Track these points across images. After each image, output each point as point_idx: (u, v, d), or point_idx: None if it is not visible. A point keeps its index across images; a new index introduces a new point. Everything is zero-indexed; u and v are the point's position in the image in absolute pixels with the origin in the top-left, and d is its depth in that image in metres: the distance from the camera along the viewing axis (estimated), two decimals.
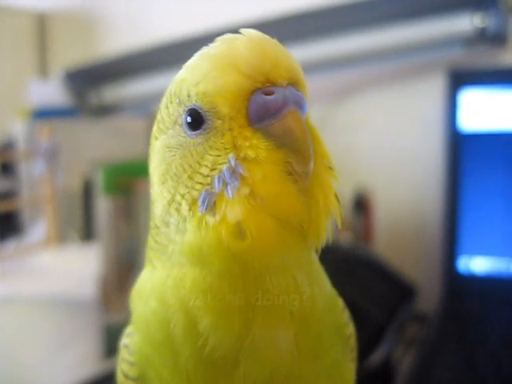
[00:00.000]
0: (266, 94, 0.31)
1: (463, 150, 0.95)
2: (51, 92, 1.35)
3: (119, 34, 1.53)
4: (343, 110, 1.17)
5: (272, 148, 0.30)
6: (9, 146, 1.36)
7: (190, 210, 0.32)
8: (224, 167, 0.31)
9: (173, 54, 1.14)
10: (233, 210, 0.30)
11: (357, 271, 0.89)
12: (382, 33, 1.01)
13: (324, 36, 1.05)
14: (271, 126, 0.30)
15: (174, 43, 1.11)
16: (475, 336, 0.83)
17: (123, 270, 1.00)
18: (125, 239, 1.01)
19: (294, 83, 0.32)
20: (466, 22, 0.96)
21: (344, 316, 0.40)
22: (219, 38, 0.33)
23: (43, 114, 1.32)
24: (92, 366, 0.90)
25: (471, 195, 0.94)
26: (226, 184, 0.31)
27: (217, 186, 0.31)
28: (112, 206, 1.00)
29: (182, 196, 0.33)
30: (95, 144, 1.31)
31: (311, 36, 1.04)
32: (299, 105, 0.31)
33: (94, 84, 1.33)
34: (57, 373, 0.90)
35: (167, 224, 0.34)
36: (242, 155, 0.31)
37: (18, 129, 1.33)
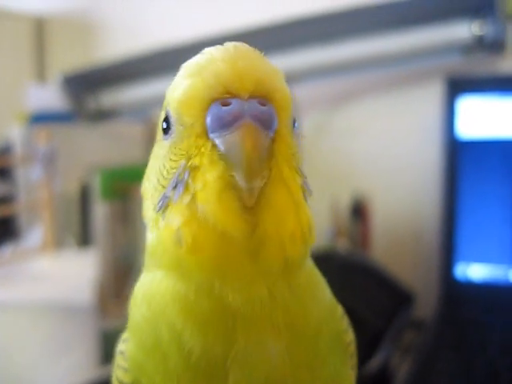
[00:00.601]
0: (224, 105, 0.30)
1: (461, 156, 0.95)
2: (49, 96, 1.35)
3: (117, 39, 1.53)
4: (341, 117, 1.17)
5: (219, 159, 0.30)
6: (6, 150, 1.36)
7: (153, 209, 0.34)
8: (176, 173, 0.32)
9: (171, 60, 1.14)
10: (175, 215, 0.31)
11: (354, 278, 0.89)
12: (380, 40, 1.02)
13: (322, 42, 1.05)
14: (223, 137, 0.30)
15: (172, 49, 1.11)
16: (472, 343, 0.83)
17: (120, 275, 1.00)
18: (122, 244, 1.01)
19: (261, 97, 0.30)
20: (464, 30, 0.96)
21: (343, 323, 0.40)
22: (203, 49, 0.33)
23: (41, 119, 1.32)
24: (88, 372, 0.89)
25: (469, 202, 0.94)
26: (174, 189, 0.31)
27: (168, 191, 0.32)
28: (109, 211, 1.00)
29: (151, 195, 0.35)
30: (93, 149, 1.31)
31: (309, 42, 1.04)
32: (260, 119, 0.30)
33: (91, 89, 1.33)
34: (53, 379, 0.90)
35: (147, 223, 0.36)
36: (190, 162, 0.31)
37: (15, 133, 1.33)
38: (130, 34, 1.50)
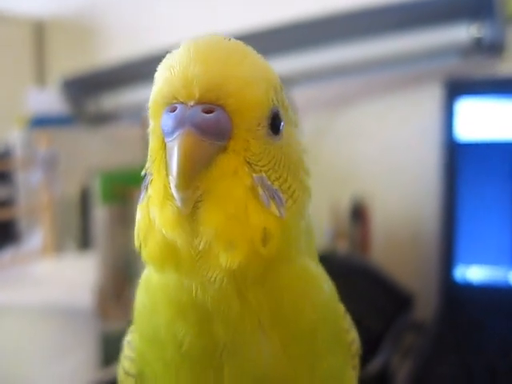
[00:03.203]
0: (172, 111, 0.30)
1: (460, 159, 0.95)
2: (49, 100, 1.35)
3: (117, 43, 1.53)
4: (340, 120, 1.17)
5: (163, 166, 0.30)
6: (6, 154, 1.36)
7: None
8: (146, 175, 0.33)
9: None
10: (137, 213, 0.32)
11: (354, 280, 0.89)
12: (378, 42, 1.02)
13: (321, 45, 1.05)
14: (168, 143, 0.30)
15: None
16: (472, 345, 0.83)
17: (120, 278, 1.00)
18: (122, 247, 1.01)
19: (209, 103, 0.30)
20: (462, 32, 0.96)
21: (345, 322, 0.40)
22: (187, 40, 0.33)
23: (41, 122, 1.31)
24: (89, 374, 0.90)
25: (468, 204, 0.94)
26: (143, 189, 0.33)
27: (142, 191, 0.33)
28: (109, 214, 1.00)
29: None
30: (93, 152, 1.31)
31: (308, 45, 1.04)
32: (202, 127, 0.29)
33: (91, 92, 1.33)
34: (54, 381, 0.90)
35: None
36: (150, 166, 0.32)
37: (15, 137, 1.33)
38: (129, 37, 1.50)
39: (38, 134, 1.22)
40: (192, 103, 0.30)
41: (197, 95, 0.30)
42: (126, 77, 1.28)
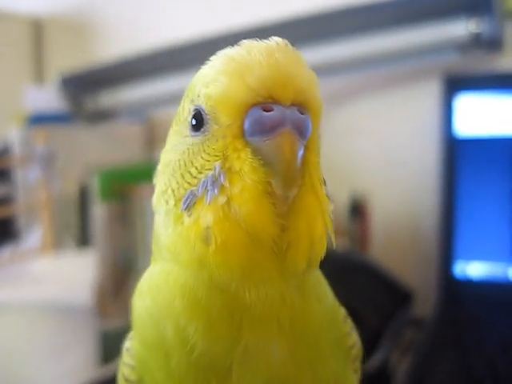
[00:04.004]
0: (265, 110, 0.30)
1: (459, 155, 0.95)
2: (47, 97, 1.34)
3: (115, 40, 1.53)
4: (338, 116, 1.17)
5: (258, 165, 0.30)
6: (5, 151, 1.35)
7: (175, 205, 0.33)
8: (209, 173, 0.32)
9: (169, 60, 1.15)
10: (206, 215, 0.31)
11: (353, 277, 0.89)
12: (377, 38, 1.02)
13: (319, 41, 1.05)
14: (263, 142, 0.30)
15: (170, 49, 1.11)
16: (472, 341, 0.83)
17: (119, 276, 1.00)
18: (121, 245, 1.01)
19: (300, 105, 0.31)
20: (461, 28, 0.96)
21: (346, 326, 0.40)
22: (244, 41, 0.33)
23: (39, 120, 1.31)
24: (88, 372, 0.89)
25: (467, 200, 0.94)
26: (207, 190, 0.31)
27: (200, 190, 0.32)
28: (108, 212, 1.00)
29: (173, 191, 0.34)
30: (91, 150, 1.31)
31: (306, 41, 1.04)
32: (299, 128, 0.30)
33: (90, 90, 1.33)
34: (52, 379, 0.90)
35: (158, 212, 0.36)
36: (227, 165, 0.31)
37: (13, 135, 1.33)
38: (127, 34, 1.50)
39: (37, 131, 1.22)
40: (288, 104, 0.30)
41: (292, 96, 0.30)
42: (124, 74, 1.27)
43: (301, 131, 0.30)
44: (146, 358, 0.36)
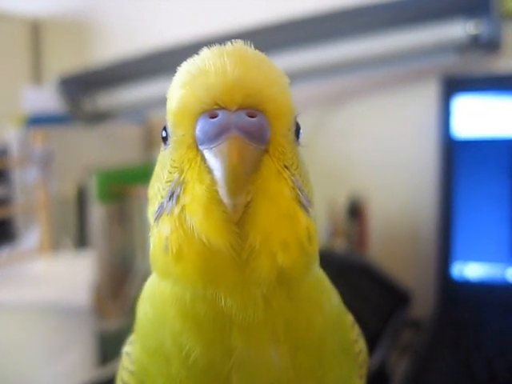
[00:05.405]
0: (212, 117, 0.29)
1: (457, 156, 0.95)
2: (45, 99, 1.34)
3: (113, 41, 1.53)
4: (337, 117, 1.17)
5: (207, 173, 0.30)
6: (2, 152, 1.35)
7: (151, 217, 0.34)
8: (171, 185, 0.32)
9: (167, 61, 1.14)
10: (164, 225, 0.31)
11: (351, 277, 0.89)
12: (375, 39, 1.02)
13: (317, 43, 1.05)
14: (209, 150, 0.30)
15: (169, 50, 1.11)
16: (470, 342, 0.83)
17: (117, 277, 1.00)
18: (119, 246, 1.01)
19: (251, 108, 0.30)
20: (459, 29, 0.96)
21: (353, 333, 0.40)
22: (204, 48, 0.33)
23: (37, 121, 1.31)
24: (86, 373, 0.89)
25: (465, 201, 0.94)
26: (169, 201, 0.32)
27: (165, 202, 0.32)
28: (106, 213, 1.00)
29: (153, 205, 0.35)
30: (89, 151, 1.31)
31: (305, 42, 1.04)
32: (249, 132, 0.29)
33: (88, 90, 1.33)
34: (50, 380, 0.90)
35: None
36: (183, 176, 0.31)
37: (11, 135, 1.32)
38: (126, 35, 1.50)
39: (35, 132, 1.21)
40: (235, 108, 0.30)
41: (239, 100, 0.30)
42: (122, 75, 1.27)
43: (252, 134, 0.29)
44: (147, 363, 0.36)
